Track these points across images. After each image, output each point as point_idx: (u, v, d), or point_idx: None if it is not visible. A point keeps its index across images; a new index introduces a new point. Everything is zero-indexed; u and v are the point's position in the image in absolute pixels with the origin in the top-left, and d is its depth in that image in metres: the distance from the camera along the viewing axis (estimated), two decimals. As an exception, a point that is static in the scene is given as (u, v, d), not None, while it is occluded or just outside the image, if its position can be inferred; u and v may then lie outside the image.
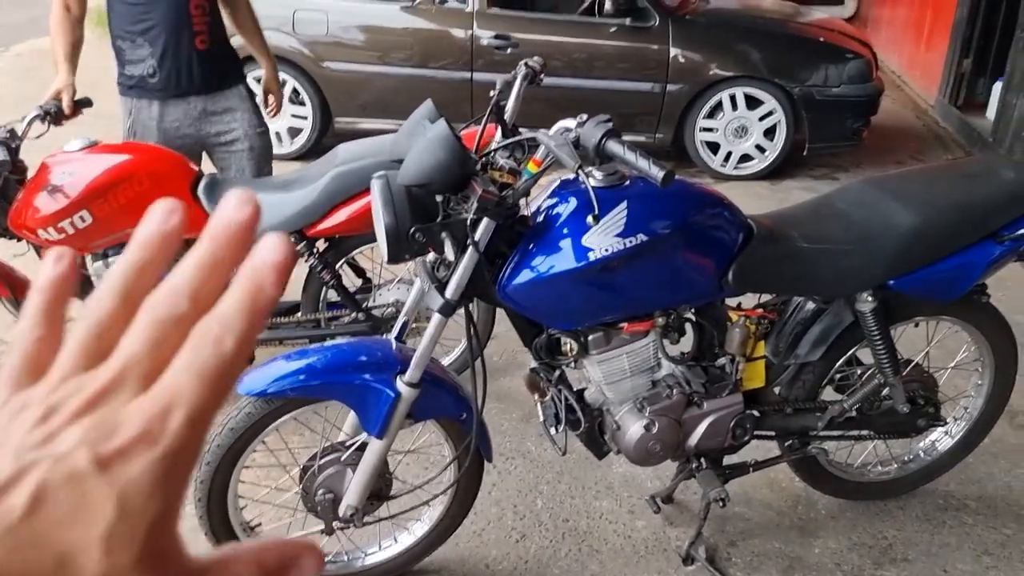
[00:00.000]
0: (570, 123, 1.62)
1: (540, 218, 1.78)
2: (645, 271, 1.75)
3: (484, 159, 1.71)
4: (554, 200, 1.79)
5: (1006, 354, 2.24)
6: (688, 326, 1.98)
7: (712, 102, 5.03)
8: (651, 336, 1.91)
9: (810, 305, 2.05)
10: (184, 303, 0.29)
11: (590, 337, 1.88)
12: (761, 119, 5.02)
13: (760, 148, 5.11)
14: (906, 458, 2.44)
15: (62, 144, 2.55)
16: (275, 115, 3.23)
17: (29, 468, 0.26)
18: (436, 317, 1.75)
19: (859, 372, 2.20)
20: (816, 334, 2.03)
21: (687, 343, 2.03)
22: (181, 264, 0.30)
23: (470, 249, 1.67)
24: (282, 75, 4.84)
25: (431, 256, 1.79)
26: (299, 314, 2.79)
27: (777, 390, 2.16)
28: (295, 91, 5.18)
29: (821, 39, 5.22)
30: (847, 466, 2.40)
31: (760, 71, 4.96)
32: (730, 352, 1.98)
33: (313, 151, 5.30)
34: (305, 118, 5.29)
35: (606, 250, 1.69)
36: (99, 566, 0.25)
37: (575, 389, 2.03)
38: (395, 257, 1.69)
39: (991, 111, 5.84)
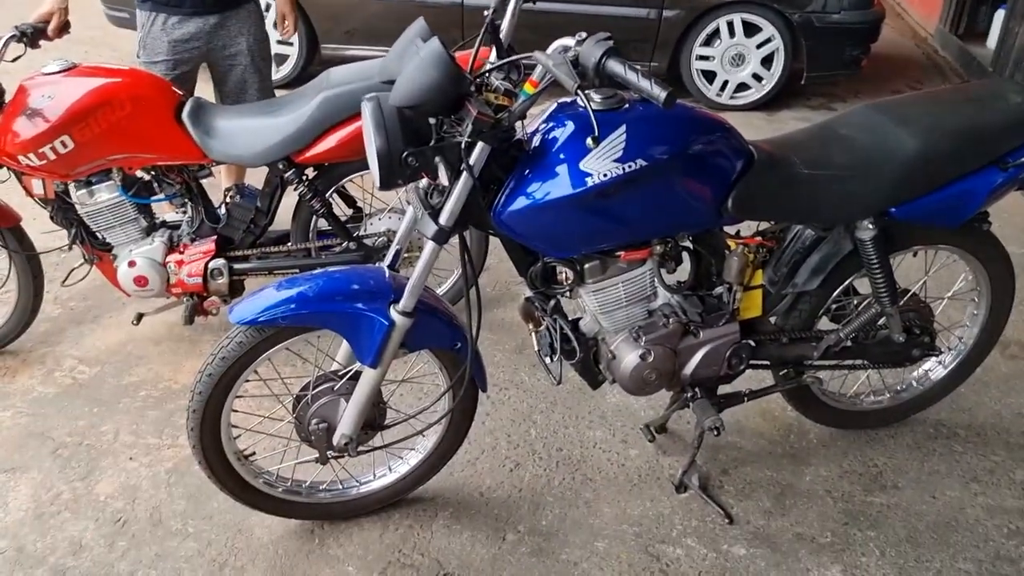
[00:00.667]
0: (569, 42, 1.55)
1: (537, 142, 1.72)
2: (644, 197, 1.71)
3: (479, 81, 1.65)
4: (551, 124, 1.73)
5: (1003, 284, 2.23)
6: (685, 255, 1.95)
7: (709, 29, 4.91)
8: (648, 264, 1.88)
9: (809, 233, 2.02)
10: None
11: (586, 266, 1.85)
12: (759, 47, 4.92)
13: (757, 77, 5.01)
14: (899, 388, 2.45)
15: (40, 66, 2.47)
16: (289, 36, 3.32)
17: None
18: (430, 244, 1.71)
19: (856, 302, 2.19)
20: (815, 262, 2.00)
21: (684, 272, 2.00)
22: None
23: (464, 174, 1.62)
24: (265, 1, 4.71)
25: (424, 182, 1.74)
26: (289, 244, 2.75)
27: (773, 320, 2.15)
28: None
29: (822, -37, 5.07)
30: (840, 396, 2.40)
31: (758, -4, 4.83)
32: (728, 281, 1.95)
33: (299, 79, 5.19)
34: (291, 44, 5.15)
35: (604, 175, 1.64)
36: None
37: (570, 319, 2.01)
38: (387, 183, 1.64)
39: (992, 40, 5.73)
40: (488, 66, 1.68)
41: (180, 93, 2.59)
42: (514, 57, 1.59)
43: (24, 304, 2.74)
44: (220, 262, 2.64)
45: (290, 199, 2.69)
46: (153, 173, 2.61)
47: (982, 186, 1.89)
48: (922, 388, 2.43)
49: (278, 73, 5.19)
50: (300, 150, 2.50)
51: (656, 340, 1.94)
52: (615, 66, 1.45)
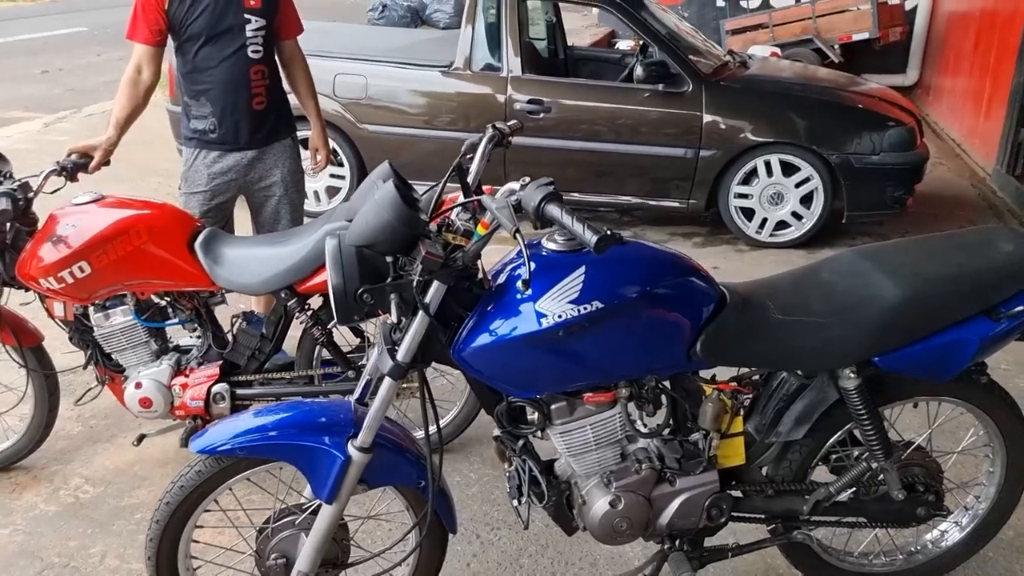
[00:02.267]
0: (515, 186, 1.58)
1: (498, 280, 1.74)
2: (604, 339, 1.68)
3: (442, 221, 1.68)
4: (514, 263, 1.74)
5: (1017, 439, 2.07)
6: (664, 397, 1.89)
7: (747, 168, 4.95)
8: (617, 407, 1.83)
9: (793, 380, 1.94)
10: None
11: (552, 407, 1.81)
12: (797, 186, 4.92)
13: (797, 215, 4.99)
14: (912, 549, 2.27)
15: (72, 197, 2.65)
16: (320, 170, 3.48)
17: None
18: (387, 381, 1.70)
19: (856, 453, 2.07)
20: (798, 411, 1.91)
21: (663, 414, 1.94)
22: None
23: (420, 312, 1.63)
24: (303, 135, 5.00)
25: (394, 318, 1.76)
26: (293, 371, 2.78)
27: (764, 470, 2.04)
28: (334, 152, 5.29)
29: (860, 106, 5.12)
30: (845, 554, 2.23)
31: (796, 137, 4.87)
32: (704, 427, 1.87)
33: (350, 210, 5.40)
34: (343, 178, 5.40)
35: (559, 316, 1.63)
36: None
37: (546, 460, 1.95)
38: (344, 318, 1.67)
39: (1049, 182, 5.60)
40: (451, 207, 1.72)
41: (198, 224, 2.72)
42: (462, 201, 1.62)
43: (39, 420, 2.82)
44: (223, 387, 2.68)
45: (297, 327, 2.75)
46: (167, 299, 2.72)
47: (972, 337, 1.80)
48: (939, 551, 2.24)
49: (330, 204, 5.43)
50: (302, 280, 2.57)
51: (628, 487, 1.86)
52: (553, 210, 1.46)
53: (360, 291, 1.61)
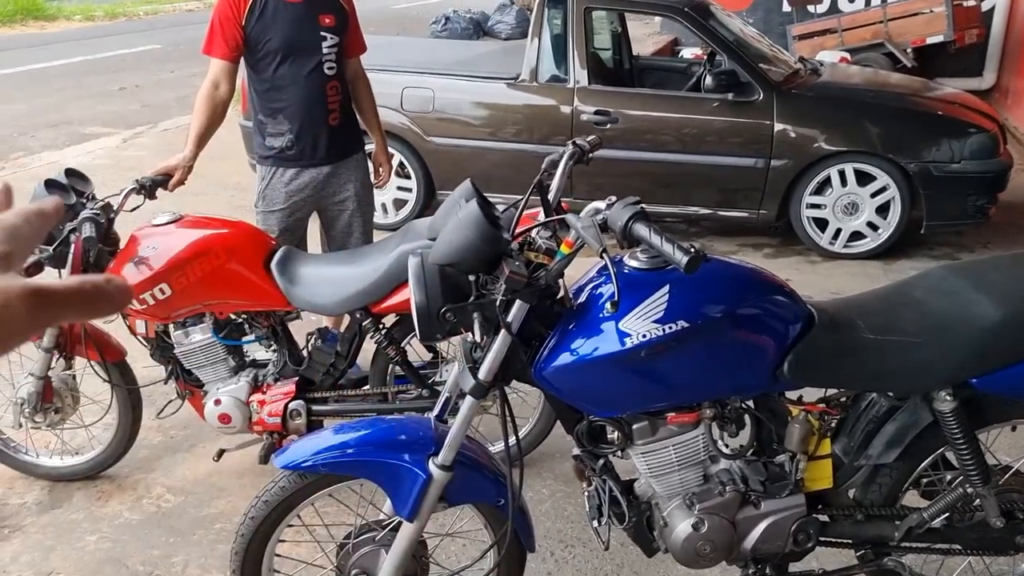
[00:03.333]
0: (600, 205, 1.57)
1: (580, 299, 1.72)
2: (688, 360, 1.65)
3: (523, 239, 1.68)
4: (596, 281, 1.73)
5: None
6: (747, 417, 1.85)
7: (820, 178, 4.83)
8: (700, 428, 1.79)
9: (884, 401, 1.87)
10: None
11: (634, 426, 1.78)
12: (873, 195, 4.78)
13: (872, 226, 4.85)
14: (1009, 578, 2.17)
15: (153, 216, 2.72)
16: (383, 186, 3.52)
17: None
18: (468, 399, 1.70)
19: (949, 478, 1.98)
20: (890, 434, 1.84)
21: (747, 435, 1.89)
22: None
23: (502, 331, 1.62)
24: (390, 149, 5.06)
25: (470, 336, 1.76)
26: (367, 387, 2.81)
27: (852, 493, 1.97)
28: (401, 164, 5.36)
29: (939, 112, 4.96)
30: (938, 582, 2.15)
31: (871, 146, 4.74)
32: (790, 449, 1.82)
33: (416, 222, 5.45)
34: (410, 191, 5.44)
35: (643, 336, 1.61)
36: None
37: (626, 479, 1.93)
38: (427, 336, 1.67)
39: None
40: (533, 225, 1.71)
41: (274, 242, 2.77)
42: (547, 219, 1.61)
43: (123, 432, 2.90)
44: (299, 403, 2.72)
45: (371, 344, 2.77)
46: (244, 317, 2.77)
47: (1079, 358, 1.71)
48: (1038, 580, 2.14)
49: (397, 216, 5.49)
50: (377, 301, 2.59)
51: (711, 509, 1.82)
52: (640, 230, 1.44)
53: (443, 310, 1.61)
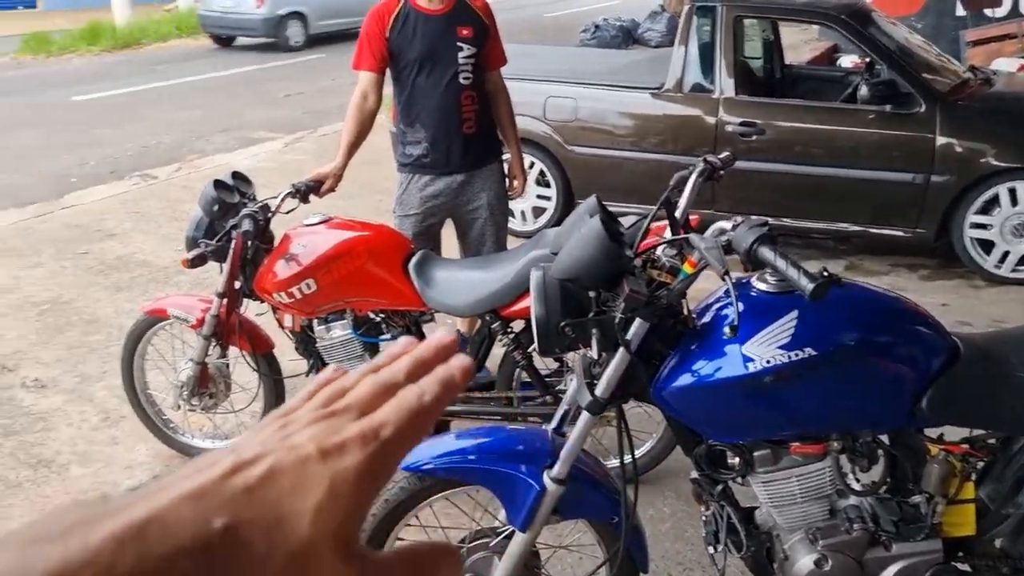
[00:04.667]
0: (726, 225, 1.53)
1: (704, 319, 1.68)
2: (816, 389, 1.58)
3: (647, 256, 1.66)
4: (721, 302, 1.68)
5: None
6: (880, 453, 1.75)
7: (987, 196, 4.48)
8: (827, 460, 1.71)
9: (1039, 446, 1.72)
10: (400, 376, 0.39)
11: (756, 453, 1.73)
12: (1048, 217, 4.39)
13: (1048, 249, 4.45)
14: None
15: (304, 218, 2.89)
16: (518, 197, 3.56)
17: (267, 453, 0.35)
18: (584, 415, 1.70)
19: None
20: (1045, 482, 1.69)
21: (880, 471, 1.78)
22: (401, 358, 0.41)
23: (621, 348, 1.61)
24: (530, 158, 5.13)
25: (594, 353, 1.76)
26: (494, 391, 2.86)
27: (999, 543, 1.82)
28: (541, 173, 5.41)
29: None
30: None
31: (1049, 163, 4.35)
32: (927, 490, 1.71)
33: (554, 230, 5.49)
34: (549, 199, 5.49)
35: (768, 362, 1.55)
36: (307, 531, 0.33)
37: (745, 507, 1.87)
38: (545, 349, 1.69)
39: None
40: (657, 242, 1.69)
41: (412, 245, 2.87)
42: (671, 238, 1.59)
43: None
44: (427, 402, 2.80)
45: (499, 348, 2.82)
46: (382, 315, 2.88)
47: None
48: None
49: (535, 224, 5.54)
50: (507, 304, 2.64)
51: (836, 546, 1.73)
52: (766, 253, 1.39)
53: (562, 324, 1.62)
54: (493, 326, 2.71)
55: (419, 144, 3.21)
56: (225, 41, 14.31)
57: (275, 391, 3.05)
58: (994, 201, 4.48)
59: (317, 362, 2.94)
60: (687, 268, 1.54)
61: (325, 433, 0.36)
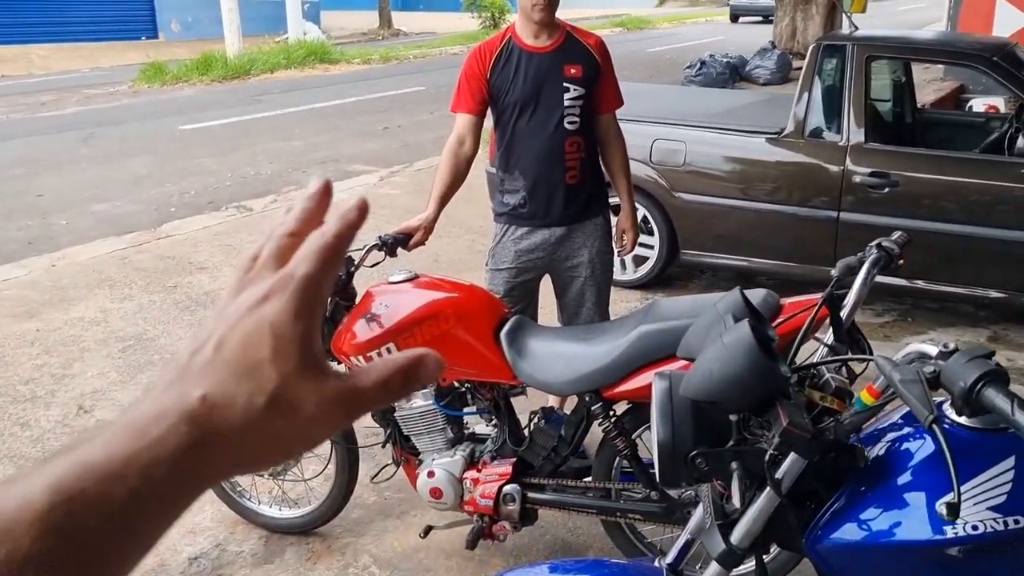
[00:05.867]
0: (929, 349, 1.15)
1: (877, 451, 1.30)
2: (1038, 565, 1.17)
3: (804, 372, 1.30)
4: (902, 431, 1.30)
5: None
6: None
7: None
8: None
9: None
10: (296, 226, 0.46)
11: (940, 631, 1.32)
12: None
13: None
14: None
15: (388, 274, 2.62)
16: (626, 254, 3.26)
17: (212, 331, 0.42)
18: (714, 567, 1.34)
19: None
20: None
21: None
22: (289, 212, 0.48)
23: (768, 490, 1.25)
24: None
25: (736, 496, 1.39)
26: (589, 479, 2.51)
27: None
28: (644, 219, 5.05)
29: None
30: None
31: None
32: None
33: (657, 280, 5.12)
34: (652, 247, 5.12)
35: (973, 528, 1.16)
36: (273, 373, 0.41)
37: None
38: (669, 481, 1.34)
39: None
40: (816, 358, 1.32)
41: (506, 310, 2.57)
42: (847, 357, 1.22)
43: (338, 491, 2.82)
44: (514, 487, 2.48)
45: (598, 431, 2.47)
46: (468, 386, 2.58)
47: None
48: None
49: (636, 273, 5.19)
50: (610, 384, 2.30)
51: None
52: (996, 400, 1.01)
53: (694, 454, 1.27)
54: (593, 408, 2.37)
55: (517, 193, 2.93)
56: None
57: (348, 459, 2.78)
58: None
59: (395, 432, 2.66)
60: (866, 398, 1.18)
61: (249, 294, 0.43)
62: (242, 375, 0.40)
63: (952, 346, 1.13)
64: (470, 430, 2.68)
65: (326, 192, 0.48)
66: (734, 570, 1.38)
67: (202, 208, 6.84)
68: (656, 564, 1.57)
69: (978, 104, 7.92)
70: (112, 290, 5.05)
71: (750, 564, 1.43)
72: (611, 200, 3.11)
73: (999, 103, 7.41)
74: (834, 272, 1.52)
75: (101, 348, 4.28)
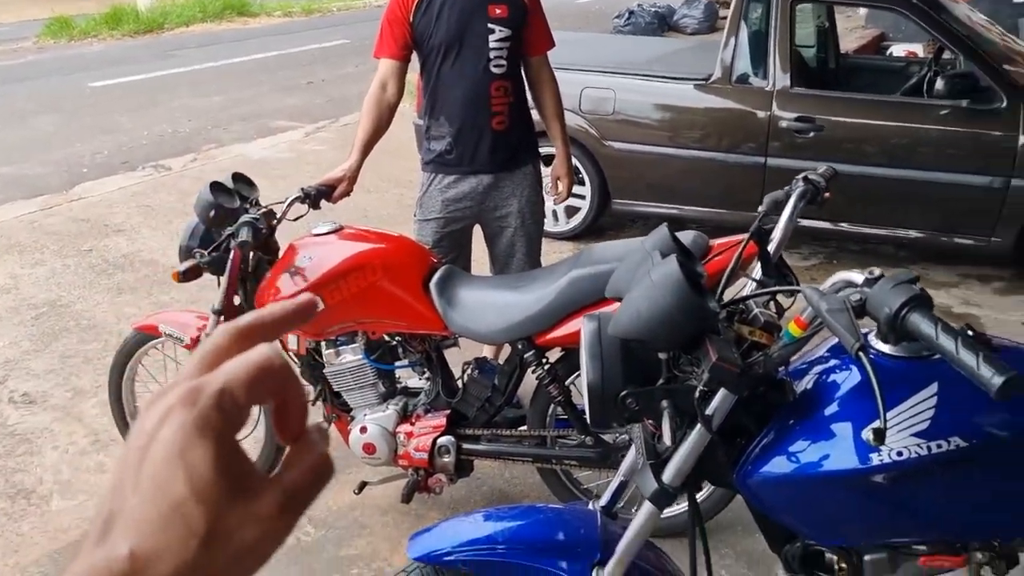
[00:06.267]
0: (855, 277, 1.14)
1: (805, 385, 1.30)
2: (960, 489, 1.19)
3: (732, 308, 1.28)
4: (828, 364, 1.30)
5: None
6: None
7: (1075, 202, 4.03)
8: (965, 573, 1.32)
9: None
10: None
11: (867, 558, 1.34)
12: None
13: None
14: None
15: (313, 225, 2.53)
16: (561, 201, 3.23)
17: (128, 463, 0.38)
18: (647, 507, 1.33)
19: None
20: None
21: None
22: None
23: (699, 427, 1.24)
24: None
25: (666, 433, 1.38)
26: (524, 428, 2.50)
27: None
28: (576, 170, 5.01)
29: None
30: None
31: None
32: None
33: (589, 231, 5.10)
34: (583, 197, 5.09)
35: (898, 455, 1.17)
36: (199, 511, 0.36)
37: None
38: (600, 423, 1.31)
39: None
40: (746, 291, 1.31)
41: (435, 260, 2.51)
42: (774, 289, 1.20)
43: (269, 450, 2.75)
44: (449, 439, 2.45)
45: (533, 380, 2.45)
46: (398, 339, 2.52)
47: None
48: None
49: (568, 224, 5.16)
50: (542, 331, 2.27)
51: None
52: (921, 325, 1.00)
53: (624, 394, 1.24)
54: (526, 355, 2.34)
55: (442, 139, 2.85)
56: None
57: (278, 420, 2.70)
58: (1083, 209, 4.02)
59: (325, 389, 2.59)
60: (793, 329, 1.16)
61: (156, 410, 0.38)
62: (167, 520, 0.36)
63: (878, 273, 1.12)
64: (402, 384, 2.63)
65: (305, 311, 0.43)
66: (668, 511, 1.38)
67: (116, 168, 6.54)
68: (590, 507, 1.56)
69: (898, 50, 8.08)
70: (22, 255, 4.80)
71: (683, 506, 1.43)
72: (545, 150, 3.06)
73: (918, 49, 7.57)
74: (761, 207, 1.51)
75: (12, 316, 4.07)
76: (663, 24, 11.67)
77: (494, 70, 2.77)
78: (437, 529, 1.52)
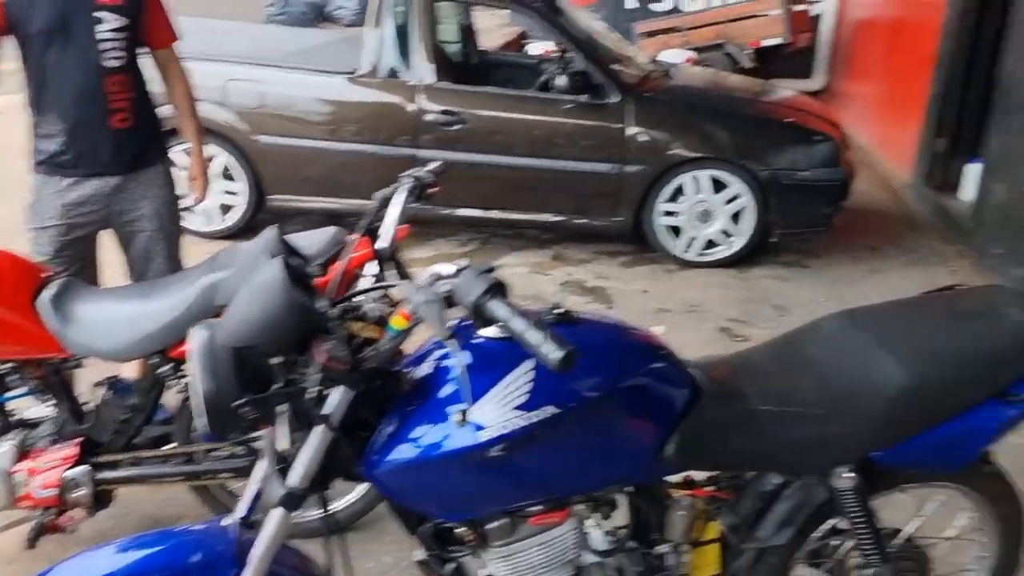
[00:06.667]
0: (446, 269, 1.21)
1: (420, 373, 1.36)
2: (558, 450, 1.33)
3: (344, 305, 1.30)
4: (439, 352, 1.37)
5: (1014, 526, 1.83)
6: (621, 498, 1.56)
7: (674, 184, 4.69)
8: (569, 524, 1.48)
9: (772, 477, 1.63)
10: None
11: (488, 526, 1.45)
12: (727, 203, 4.69)
13: (727, 233, 4.76)
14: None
15: None
16: (199, 203, 3.00)
17: None
18: (276, 513, 1.31)
19: (838, 543, 1.78)
20: (782, 514, 1.61)
21: (623, 518, 1.60)
22: None
23: (320, 427, 1.24)
24: (213, 150, 4.48)
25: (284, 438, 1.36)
26: (173, 445, 2.33)
27: None
28: (225, 167, 4.79)
29: (789, 120, 4.93)
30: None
31: (725, 153, 4.63)
32: (673, 539, 1.55)
33: (247, 229, 4.89)
34: (236, 194, 4.88)
35: (504, 428, 1.27)
36: None
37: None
38: (220, 434, 1.26)
39: (964, 193, 5.59)
40: (359, 287, 1.34)
41: (44, 275, 2.24)
42: (374, 286, 1.24)
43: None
44: (81, 470, 2.21)
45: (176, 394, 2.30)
46: (10, 366, 2.22)
47: (985, 424, 1.53)
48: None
49: (224, 223, 4.92)
50: (176, 344, 2.13)
51: (583, 614, 1.52)
52: (498, 310, 1.10)
53: (238, 404, 1.21)
54: (160, 371, 2.18)
55: (53, 138, 2.55)
56: None
57: None
58: (682, 190, 4.69)
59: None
60: (397, 322, 1.21)
61: None
62: None
63: (464, 264, 1.20)
64: (16, 416, 2.32)
65: None
66: (316, 511, 1.37)
67: None
68: (228, 521, 1.49)
69: (535, 48, 8.77)
70: None
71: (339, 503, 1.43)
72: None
73: (552, 47, 8.29)
74: (371, 204, 1.55)
75: None
76: (318, 14, 11.53)
77: (109, 63, 2.53)
78: (58, 569, 1.37)
